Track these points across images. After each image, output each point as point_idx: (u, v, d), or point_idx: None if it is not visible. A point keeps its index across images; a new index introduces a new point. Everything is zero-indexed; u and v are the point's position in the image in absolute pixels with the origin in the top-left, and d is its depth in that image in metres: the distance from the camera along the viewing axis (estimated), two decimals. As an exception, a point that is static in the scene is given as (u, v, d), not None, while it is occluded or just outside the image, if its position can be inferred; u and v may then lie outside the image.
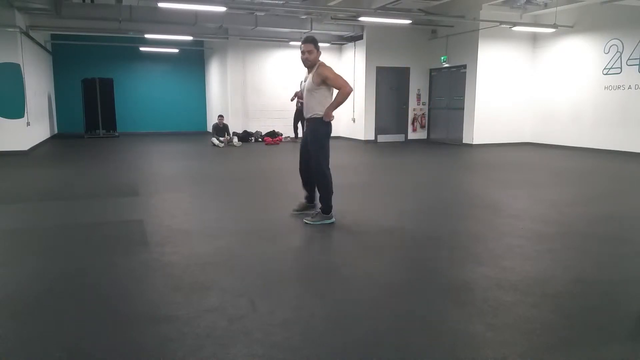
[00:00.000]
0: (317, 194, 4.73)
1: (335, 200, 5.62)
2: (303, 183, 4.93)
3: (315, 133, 4.59)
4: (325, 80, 4.38)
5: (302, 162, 4.83)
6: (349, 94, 4.42)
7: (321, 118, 4.48)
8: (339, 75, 4.44)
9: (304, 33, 13.18)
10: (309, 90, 4.50)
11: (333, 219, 4.63)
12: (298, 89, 13.55)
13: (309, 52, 4.39)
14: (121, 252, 3.78)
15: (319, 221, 4.58)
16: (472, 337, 2.41)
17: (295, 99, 13.39)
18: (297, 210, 4.96)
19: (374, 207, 5.43)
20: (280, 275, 3.27)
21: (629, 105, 10.65)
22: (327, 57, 15.00)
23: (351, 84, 16.42)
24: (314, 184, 4.76)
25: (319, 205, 4.73)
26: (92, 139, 14.50)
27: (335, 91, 4.46)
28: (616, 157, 10.22)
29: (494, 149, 11.90)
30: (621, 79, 10.77)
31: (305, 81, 4.63)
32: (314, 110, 4.51)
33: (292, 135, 14.00)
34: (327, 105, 4.44)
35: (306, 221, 4.62)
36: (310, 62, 4.45)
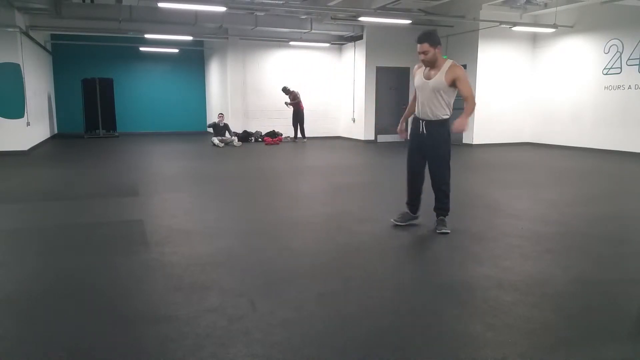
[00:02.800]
0: (434, 205, 4.41)
1: (336, 201, 5.62)
2: (411, 194, 4.45)
3: (445, 137, 4.18)
4: (457, 81, 4.02)
5: (414, 171, 4.35)
6: (475, 104, 4.12)
7: (450, 118, 4.16)
8: (469, 82, 4.15)
9: (304, 33, 13.23)
10: (438, 90, 4.06)
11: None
12: (294, 90, 13.63)
13: (424, 52, 4.01)
14: (121, 252, 3.78)
15: (444, 229, 4.26)
16: (472, 337, 2.41)
17: (290, 102, 13.59)
18: (400, 222, 4.47)
19: (374, 207, 5.43)
20: (280, 275, 3.27)
21: (629, 105, 10.65)
22: (327, 57, 15.18)
23: (351, 84, 16.24)
24: (420, 193, 4.40)
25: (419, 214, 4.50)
26: (92, 139, 14.50)
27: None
28: (616, 157, 10.22)
29: (494, 149, 11.90)
30: (621, 79, 10.77)
31: (425, 78, 4.13)
32: (443, 111, 4.12)
33: (292, 135, 14.01)
34: (451, 107, 4.14)
35: (444, 232, 4.23)
36: (430, 60, 4.06)
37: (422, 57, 4.06)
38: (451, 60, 4.09)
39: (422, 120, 4.21)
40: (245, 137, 13.85)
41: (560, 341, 2.37)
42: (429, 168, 4.29)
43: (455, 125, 3.96)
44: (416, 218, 4.52)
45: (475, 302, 2.83)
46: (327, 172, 8.38)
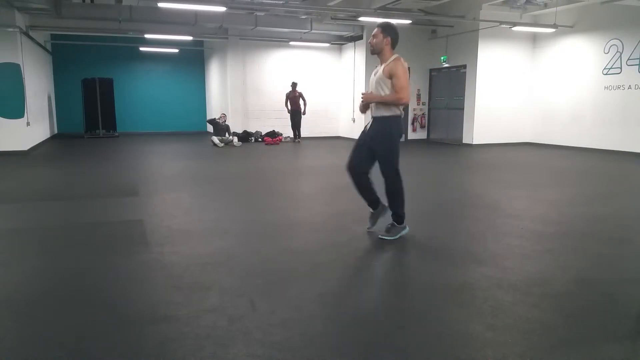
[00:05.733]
0: (386, 200, 4.18)
1: (336, 201, 5.62)
2: (357, 188, 4.23)
3: (387, 135, 4.03)
4: (392, 77, 3.89)
5: (355, 163, 4.16)
6: (400, 102, 3.92)
7: (395, 116, 4.00)
8: (407, 80, 3.96)
9: (304, 33, 13.24)
10: (379, 83, 3.95)
11: (407, 228, 4.17)
12: (289, 90, 13.61)
13: (374, 35, 4.00)
14: (121, 252, 3.78)
15: (396, 234, 4.10)
16: (472, 337, 2.41)
17: (288, 102, 13.58)
18: (373, 226, 4.33)
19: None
20: (280, 275, 3.27)
21: (629, 105, 10.65)
22: (327, 57, 15.19)
23: (351, 84, 16.13)
24: (368, 184, 4.17)
25: (385, 206, 4.24)
26: (92, 139, 14.50)
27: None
28: (616, 157, 10.22)
29: (494, 149, 11.90)
30: (621, 79, 10.78)
31: (373, 74, 4.10)
32: (385, 107, 3.98)
33: (292, 135, 14.00)
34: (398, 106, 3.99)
35: (382, 237, 4.10)
36: (374, 47, 4.03)
37: (370, 39, 4.09)
38: (396, 55, 4.01)
39: (372, 118, 4.16)
40: (245, 137, 13.85)
41: (560, 341, 2.37)
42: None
43: (365, 93, 3.99)
44: (384, 209, 4.27)
45: (475, 302, 2.83)
46: (327, 172, 8.38)
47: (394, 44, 4.07)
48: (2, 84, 10.15)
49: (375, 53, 4.10)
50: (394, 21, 10.77)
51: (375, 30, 4.06)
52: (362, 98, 4.06)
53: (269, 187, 6.94)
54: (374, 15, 10.39)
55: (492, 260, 3.57)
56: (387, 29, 4.04)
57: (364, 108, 4.21)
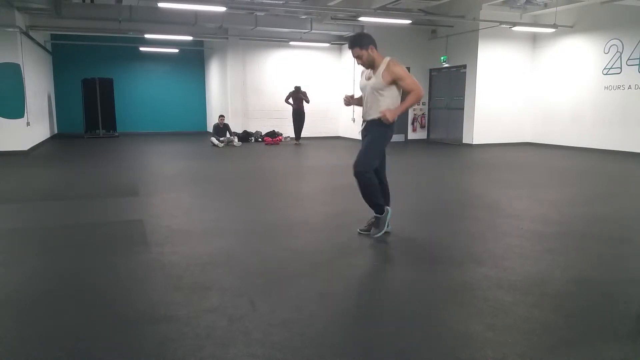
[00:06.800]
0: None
1: (336, 201, 5.62)
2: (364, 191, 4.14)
3: (383, 135, 4.03)
4: (398, 81, 3.87)
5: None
6: (420, 97, 3.93)
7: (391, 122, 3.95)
8: (412, 76, 3.94)
9: (304, 33, 13.23)
10: (377, 89, 3.91)
11: (389, 210, 4.14)
12: (292, 89, 13.49)
13: (358, 57, 3.94)
14: (121, 252, 3.78)
15: (385, 224, 4.11)
16: (472, 337, 2.41)
17: (291, 100, 13.35)
18: (368, 231, 4.26)
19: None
20: (280, 275, 3.27)
21: (629, 105, 10.65)
22: (327, 57, 15.19)
23: (351, 84, 16.12)
24: (378, 184, 4.13)
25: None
26: (92, 139, 14.49)
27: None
28: (616, 157, 10.22)
29: (494, 149, 11.90)
30: (621, 79, 10.78)
31: (365, 79, 4.05)
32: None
33: (293, 135, 13.97)
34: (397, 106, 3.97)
35: (375, 236, 4.12)
36: (367, 62, 3.97)
37: (358, 61, 4.00)
38: (388, 58, 3.94)
39: (365, 121, 4.11)
40: (245, 137, 13.85)
41: (560, 341, 2.37)
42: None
43: (384, 111, 3.84)
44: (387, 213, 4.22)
45: (475, 302, 2.83)
46: (327, 172, 8.39)
47: (376, 46, 4.00)
48: (2, 84, 10.15)
49: (370, 67, 4.01)
50: (394, 21, 10.88)
51: (354, 51, 3.94)
52: (386, 118, 3.83)
53: (269, 187, 6.94)
54: (374, 15, 10.38)
55: (492, 260, 3.57)
56: (363, 42, 3.92)
57: (351, 101, 4.18)
